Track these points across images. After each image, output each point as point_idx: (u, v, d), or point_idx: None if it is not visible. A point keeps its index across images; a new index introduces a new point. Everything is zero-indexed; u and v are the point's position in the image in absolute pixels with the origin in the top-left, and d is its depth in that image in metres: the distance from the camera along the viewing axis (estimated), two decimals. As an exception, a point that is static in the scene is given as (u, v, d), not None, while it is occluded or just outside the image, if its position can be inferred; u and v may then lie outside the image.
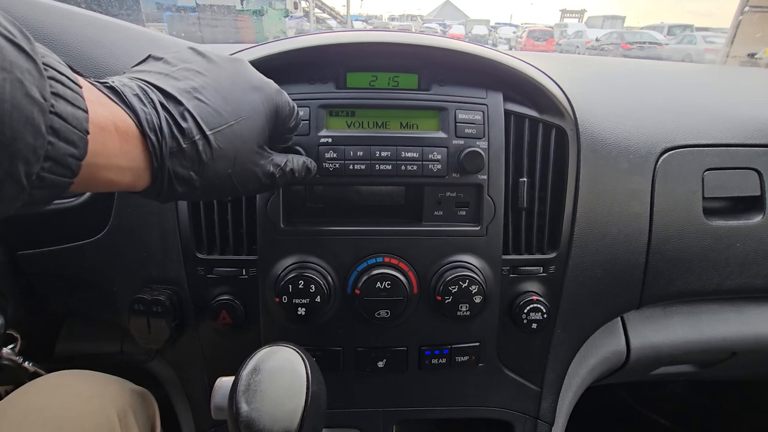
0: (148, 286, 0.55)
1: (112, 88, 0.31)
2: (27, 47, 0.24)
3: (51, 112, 0.25)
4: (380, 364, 0.55)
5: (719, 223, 0.62)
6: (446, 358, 0.56)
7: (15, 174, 0.23)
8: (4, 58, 0.23)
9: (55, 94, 0.25)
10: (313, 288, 0.50)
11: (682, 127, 0.63)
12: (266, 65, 0.53)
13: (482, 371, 0.59)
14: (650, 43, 13.18)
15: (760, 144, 0.63)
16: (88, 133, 0.27)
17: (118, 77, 0.33)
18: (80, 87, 0.27)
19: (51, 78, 0.25)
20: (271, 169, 0.41)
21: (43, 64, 0.25)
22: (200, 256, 0.54)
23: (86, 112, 0.27)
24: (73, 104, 0.26)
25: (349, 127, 0.53)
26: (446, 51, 0.53)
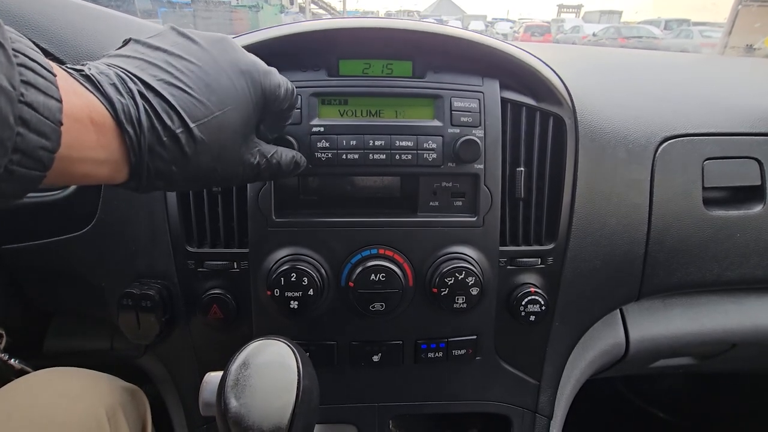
0: (138, 281, 0.53)
1: (87, 77, 0.29)
2: None
3: (20, 102, 0.23)
4: (375, 359, 0.54)
5: (719, 213, 0.62)
6: (443, 351, 0.55)
7: None
8: None
9: (26, 83, 0.24)
10: (306, 281, 0.48)
11: (681, 116, 0.62)
12: (255, 53, 0.51)
13: (479, 365, 0.58)
14: (647, 37, 13.16)
15: (761, 133, 0.62)
16: (61, 124, 0.25)
17: (95, 63, 0.31)
18: (54, 75, 0.26)
19: (21, 65, 0.24)
20: (257, 160, 0.39)
21: (13, 50, 0.24)
22: (190, 249, 0.53)
23: (60, 101, 0.25)
24: (45, 93, 0.25)
25: (341, 115, 0.52)
26: (441, 37, 0.51)
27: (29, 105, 0.24)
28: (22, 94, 0.23)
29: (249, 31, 0.55)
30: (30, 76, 0.24)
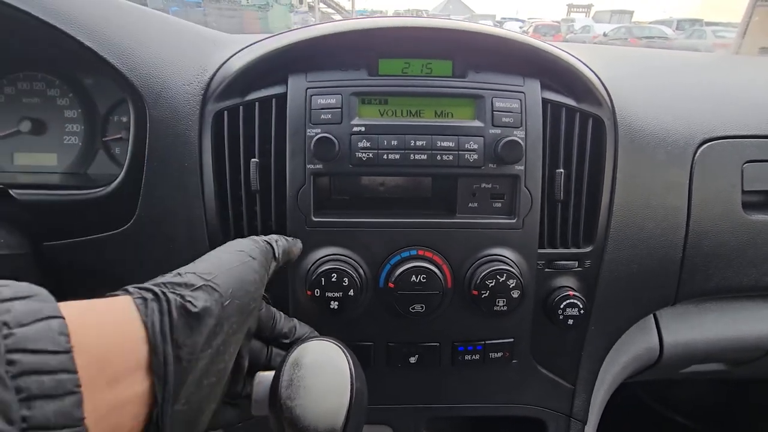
0: None
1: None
2: None
3: (31, 429, 0.19)
4: (412, 360, 0.54)
5: (758, 217, 0.60)
6: (480, 354, 0.54)
7: None
8: None
9: (34, 397, 0.19)
10: (347, 281, 0.48)
11: (720, 117, 0.61)
12: (296, 51, 0.51)
13: (516, 368, 0.57)
14: (659, 37, 12.99)
15: (802, 135, 0.61)
16: (83, 419, 0.21)
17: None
18: (67, 353, 0.21)
19: (29, 372, 0.19)
20: None
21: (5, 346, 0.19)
22: None
23: (76, 392, 0.21)
24: (54, 396, 0.20)
25: (381, 115, 0.51)
26: (482, 36, 0.51)
27: (42, 428, 0.19)
28: (24, 419, 0.19)
29: (288, 29, 0.55)
30: (33, 384, 0.20)
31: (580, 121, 0.54)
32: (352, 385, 0.34)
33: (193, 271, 0.32)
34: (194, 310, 0.28)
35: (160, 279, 0.31)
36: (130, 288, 0.29)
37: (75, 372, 0.21)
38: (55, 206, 0.53)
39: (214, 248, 0.52)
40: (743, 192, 0.60)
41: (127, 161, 0.53)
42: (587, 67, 0.56)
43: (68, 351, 0.21)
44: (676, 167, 0.58)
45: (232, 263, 0.34)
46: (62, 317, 0.22)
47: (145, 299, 0.28)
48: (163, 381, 0.26)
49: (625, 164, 0.55)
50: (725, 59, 0.97)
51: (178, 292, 0.29)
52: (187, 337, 0.28)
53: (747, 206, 0.60)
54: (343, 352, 0.36)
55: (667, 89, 0.64)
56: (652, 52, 0.92)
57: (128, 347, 0.26)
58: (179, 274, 0.31)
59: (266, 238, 0.41)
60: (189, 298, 0.29)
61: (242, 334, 0.34)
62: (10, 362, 0.19)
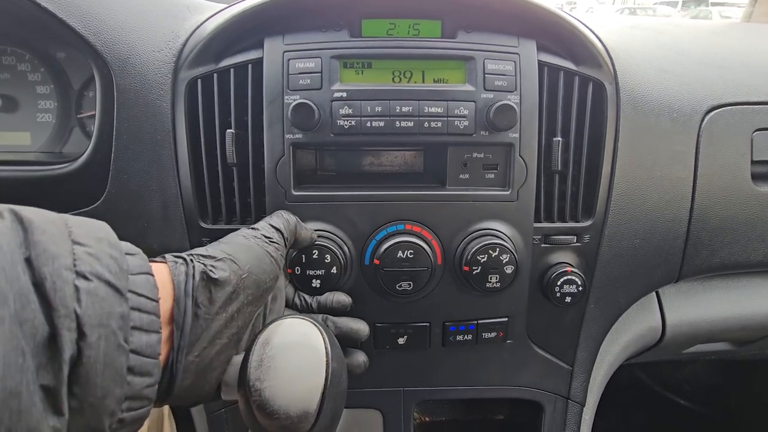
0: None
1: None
2: (121, 285, 0.24)
3: (130, 351, 0.24)
4: (401, 341, 0.51)
5: (768, 189, 0.57)
6: (472, 334, 0.52)
7: (100, 429, 0.23)
8: (105, 311, 0.23)
9: (135, 328, 0.25)
10: (329, 258, 0.45)
11: (729, 83, 0.57)
12: (271, 11, 0.48)
13: (510, 348, 0.55)
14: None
15: (817, 102, 0.57)
16: (159, 354, 0.26)
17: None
18: (157, 301, 0.27)
19: (134, 308, 0.25)
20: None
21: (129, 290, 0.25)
22: (204, 225, 0.50)
23: (159, 332, 0.26)
24: (148, 330, 0.26)
25: (365, 80, 0.48)
26: None
27: (135, 351, 0.24)
28: (128, 341, 0.24)
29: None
30: (137, 319, 0.25)
31: (579, 86, 0.51)
32: (327, 365, 0.31)
33: (218, 248, 0.36)
34: (214, 276, 0.33)
35: (191, 251, 0.36)
36: (167, 255, 0.34)
37: (159, 316, 0.27)
38: (20, 183, 0.50)
39: (190, 228, 0.51)
40: (753, 162, 0.56)
41: (94, 134, 0.49)
42: (587, 27, 0.52)
43: (157, 300, 0.27)
44: (682, 135, 0.54)
45: (250, 243, 0.38)
46: (153, 275, 0.28)
47: (176, 263, 0.33)
48: (180, 329, 0.30)
49: (628, 132, 0.52)
50: (735, 26, 0.92)
51: (203, 261, 0.34)
52: (206, 297, 0.32)
53: (756, 177, 0.57)
54: (319, 329, 0.33)
55: (673, 54, 0.60)
56: (658, 19, 0.87)
57: (161, 301, 0.30)
58: (206, 249, 0.36)
59: (274, 222, 0.43)
60: (211, 267, 0.33)
61: (257, 307, 0.37)
62: (126, 297, 0.25)
